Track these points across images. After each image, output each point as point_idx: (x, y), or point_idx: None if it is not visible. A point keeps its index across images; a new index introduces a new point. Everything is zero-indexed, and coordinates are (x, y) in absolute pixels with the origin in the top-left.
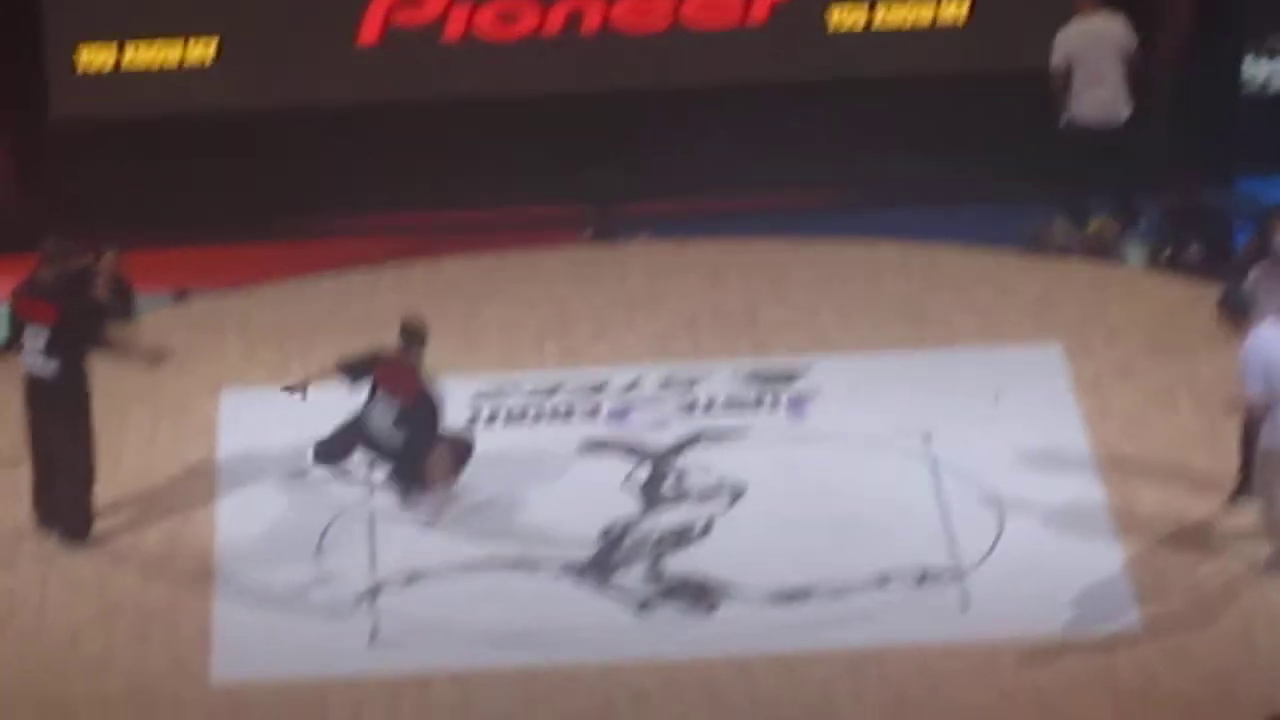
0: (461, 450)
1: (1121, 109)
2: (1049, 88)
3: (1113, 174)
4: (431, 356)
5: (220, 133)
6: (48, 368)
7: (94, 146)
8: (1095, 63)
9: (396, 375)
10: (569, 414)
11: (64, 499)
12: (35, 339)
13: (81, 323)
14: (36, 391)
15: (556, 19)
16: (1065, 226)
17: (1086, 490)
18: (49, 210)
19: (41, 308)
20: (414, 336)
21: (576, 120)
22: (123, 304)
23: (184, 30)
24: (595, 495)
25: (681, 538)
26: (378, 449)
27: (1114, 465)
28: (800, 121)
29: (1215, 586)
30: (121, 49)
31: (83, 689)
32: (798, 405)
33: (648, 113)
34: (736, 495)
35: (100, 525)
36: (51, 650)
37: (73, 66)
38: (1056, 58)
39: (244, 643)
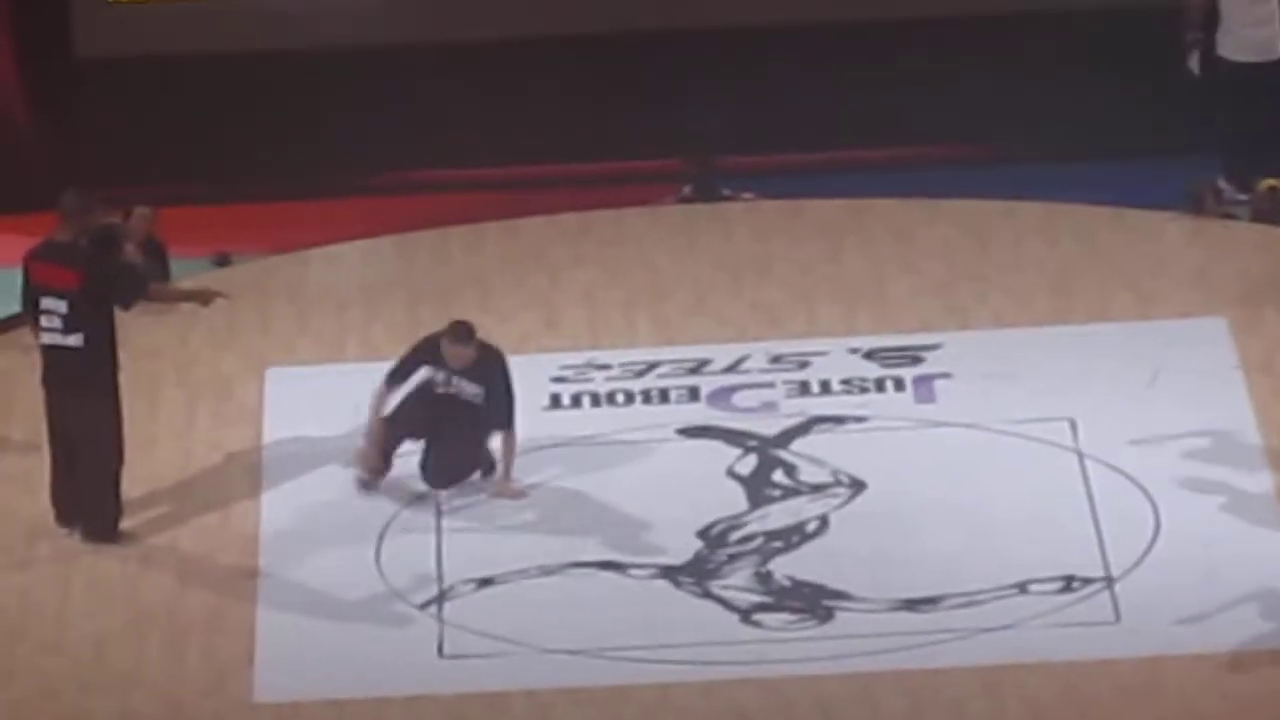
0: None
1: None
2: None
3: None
4: (508, 330)
5: (268, 76)
6: (69, 340)
7: (124, 90)
8: None
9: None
10: (664, 396)
11: (87, 491)
12: (54, 308)
13: (109, 288)
14: (56, 367)
15: None
16: (1228, 186)
17: (1255, 482)
18: (74, 163)
19: (60, 272)
20: (460, 337)
21: (674, 61)
22: (156, 268)
23: None
24: (694, 489)
25: (792, 538)
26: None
27: None
28: (933, 64)
29: None
30: None
31: (109, 707)
32: (925, 387)
33: (757, 52)
34: (855, 490)
35: (129, 522)
36: (74, 663)
37: None
38: None
39: (291, 656)
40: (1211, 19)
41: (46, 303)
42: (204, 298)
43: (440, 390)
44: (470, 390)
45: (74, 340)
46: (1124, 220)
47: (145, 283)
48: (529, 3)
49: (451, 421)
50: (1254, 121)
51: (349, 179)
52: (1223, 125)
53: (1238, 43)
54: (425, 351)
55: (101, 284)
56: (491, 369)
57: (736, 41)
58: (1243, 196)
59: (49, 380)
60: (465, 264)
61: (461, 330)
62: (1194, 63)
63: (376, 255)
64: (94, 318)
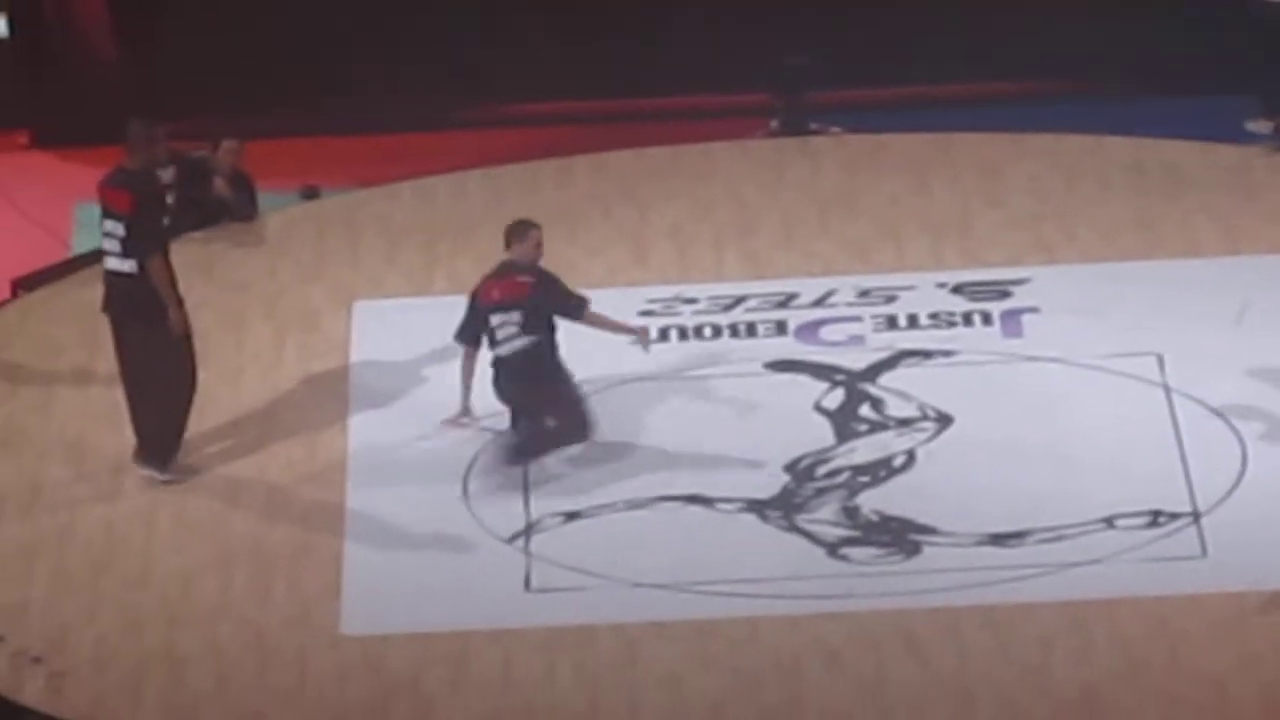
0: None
1: None
2: None
3: None
4: (597, 264)
5: (358, 7)
6: (124, 266)
7: (212, 22)
8: None
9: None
10: (751, 330)
11: (143, 417)
12: (113, 231)
13: (155, 216)
14: (113, 292)
15: None
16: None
17: None
18: (161, 95)
19: (119, 195)
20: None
21: None
22: (244, 201)
23: None
24: (781, 423)
25: (879, 472)
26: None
27: None
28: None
29: None
30: None
31: (194, 641)
32: (1013, 322)
33: None
34: (942, 424)
35: (216, 455)
36: (160, 598)
37: None
38: None
39: (378, 589)
40: None
41: (107, 225)
42: (181, 325)
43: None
44: (521, 344)
45: (129, 266)
46: (1211, 155)
47: (160, 243)
48: None
49: (523, 387)
50: None
51: (438, 112)
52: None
53: None
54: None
55: (152, 211)
56: (538, 301)
57: None
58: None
59: (108, 306)
60: (554, 198)
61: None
62: None
63: (465, 189)
64: (146, 244)
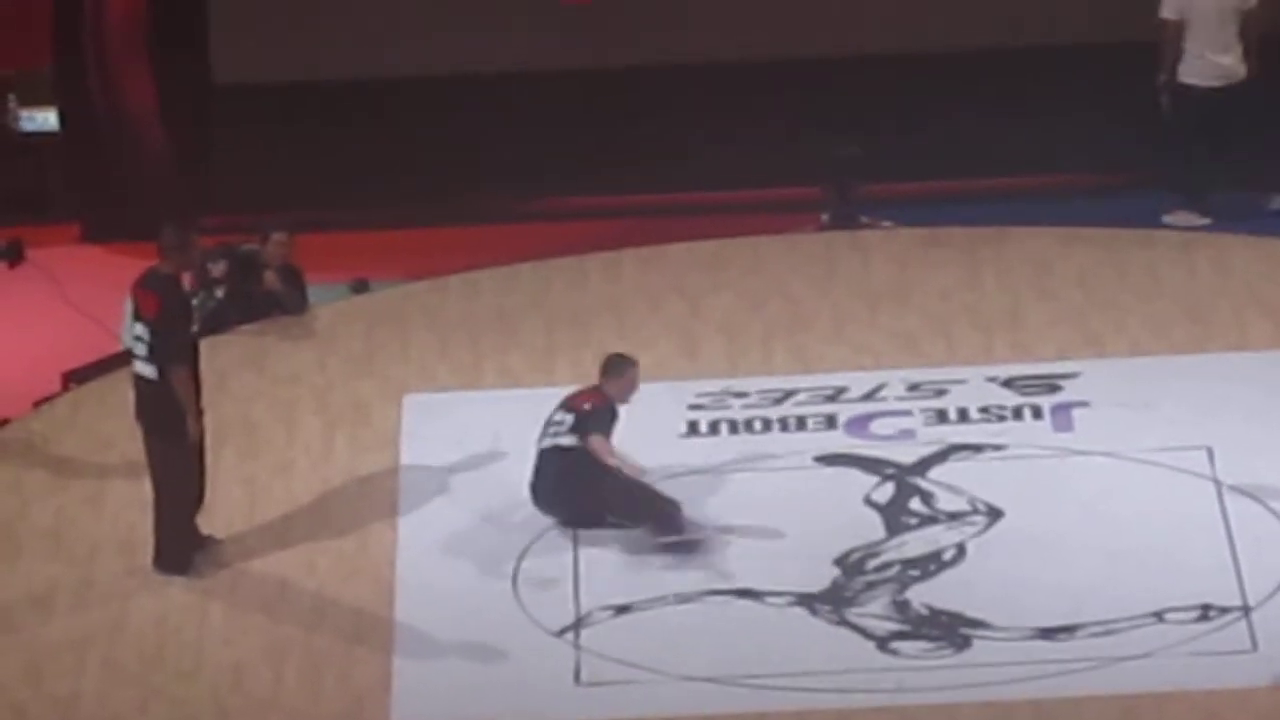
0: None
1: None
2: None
3: None
4: (645, 357)
5: (405, 100)
6: (147, 371)
7: (263, 116)
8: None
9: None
10: (801, 424)
11: (156, 521)
12: (141, 334)
13: (178, 324)
14: (138, 397)
15: None
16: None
17: None
18: (212, 190)
19: (147, 298)
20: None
21: (813, 90)
22: (294, 295)
23: None
24: (830, 517)
25: (929, 565)
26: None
27: None
28: (1070, 93)
29: None
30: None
31: None
32: (1063, 416)
33: (895, 80)
34: (992, 518)
35: (267, 547)
36: (210, 690)
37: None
38: (1166, 10)
39: (429, 684)
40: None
41: (137, 329)
42: (196, 431)
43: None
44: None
45: (150, 371)
46: (1261, 248)
47: (182, 352)
48: (670, 31)
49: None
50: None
51: (486, 206)
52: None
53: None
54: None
55: (176, 319)
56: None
57: (875, 69)
58: (1202, 221)
59: (137, 408)
60: (603, 291)
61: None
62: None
63: (514, 282)
64: (168, 351)
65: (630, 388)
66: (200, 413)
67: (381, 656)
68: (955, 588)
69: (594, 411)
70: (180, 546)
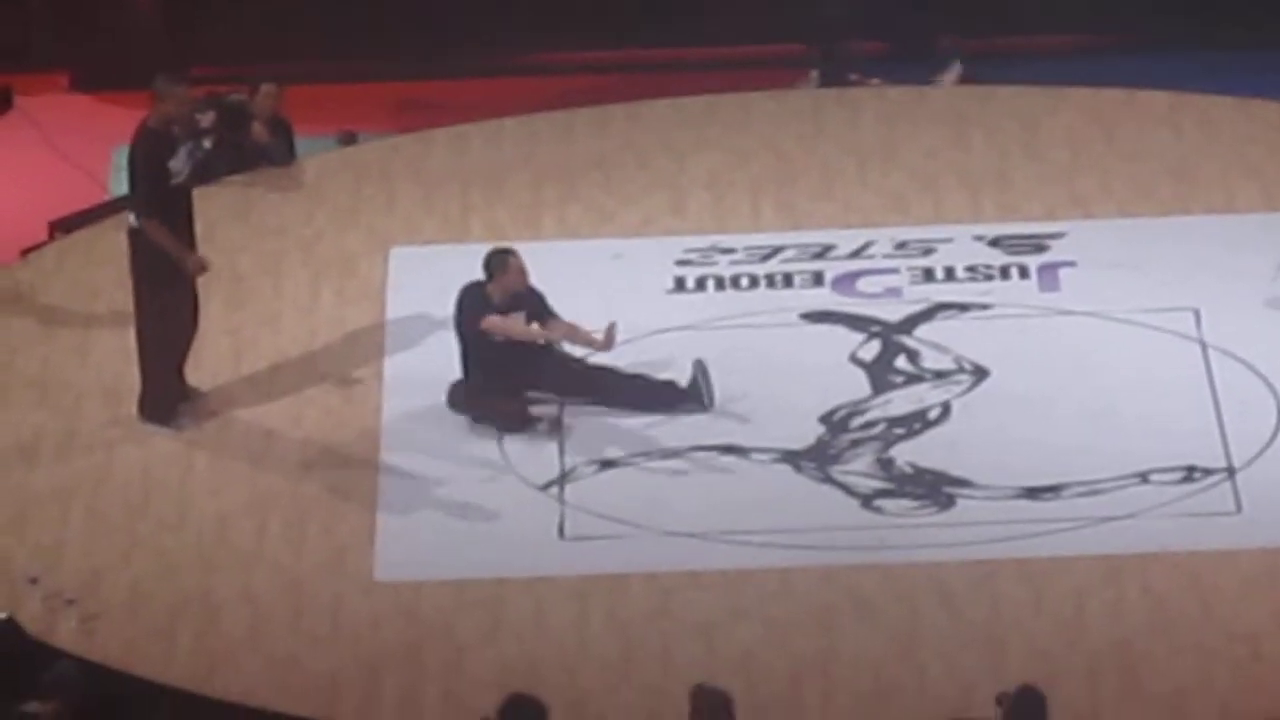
0: None
1: None
2: None
3: None
4: (633, 213)
5: None
6: (131, 219)
7: None
8: None
9: None
10: (787, 281)
11: (141, 370)
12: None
13: (141, 174)
14: (130, 246)
15: None
16: None
17: None
18: (195, 38)
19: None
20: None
21: None
22: (282, 147)
23: None
24: (816, 374)
25: (914, 424)
26: None
27: None
28: None
29: None
30: None
31: (229, 586)
32: (1049, 275)
33: None
34: (978, 377)
35: (252, 398)
36: (194, 542)
37: None
38: None
39: (412, 536)
40: None
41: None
42: (193, 262)
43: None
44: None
45: (132, 219)
46: (1249, 110)
47: (147, 203)
48: None
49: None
50: None
51: (474, 60)
52: None
53: None
54: (468, 299)
55: (134, 166)
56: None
57: None
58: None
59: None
60: (590, 146)
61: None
62: None
63: (501, 136)
64: (133, 199)
65: (517, 280)
66: (185, 250)
67: (366, 509)
68: (940, 446)
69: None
70: (164, 396)
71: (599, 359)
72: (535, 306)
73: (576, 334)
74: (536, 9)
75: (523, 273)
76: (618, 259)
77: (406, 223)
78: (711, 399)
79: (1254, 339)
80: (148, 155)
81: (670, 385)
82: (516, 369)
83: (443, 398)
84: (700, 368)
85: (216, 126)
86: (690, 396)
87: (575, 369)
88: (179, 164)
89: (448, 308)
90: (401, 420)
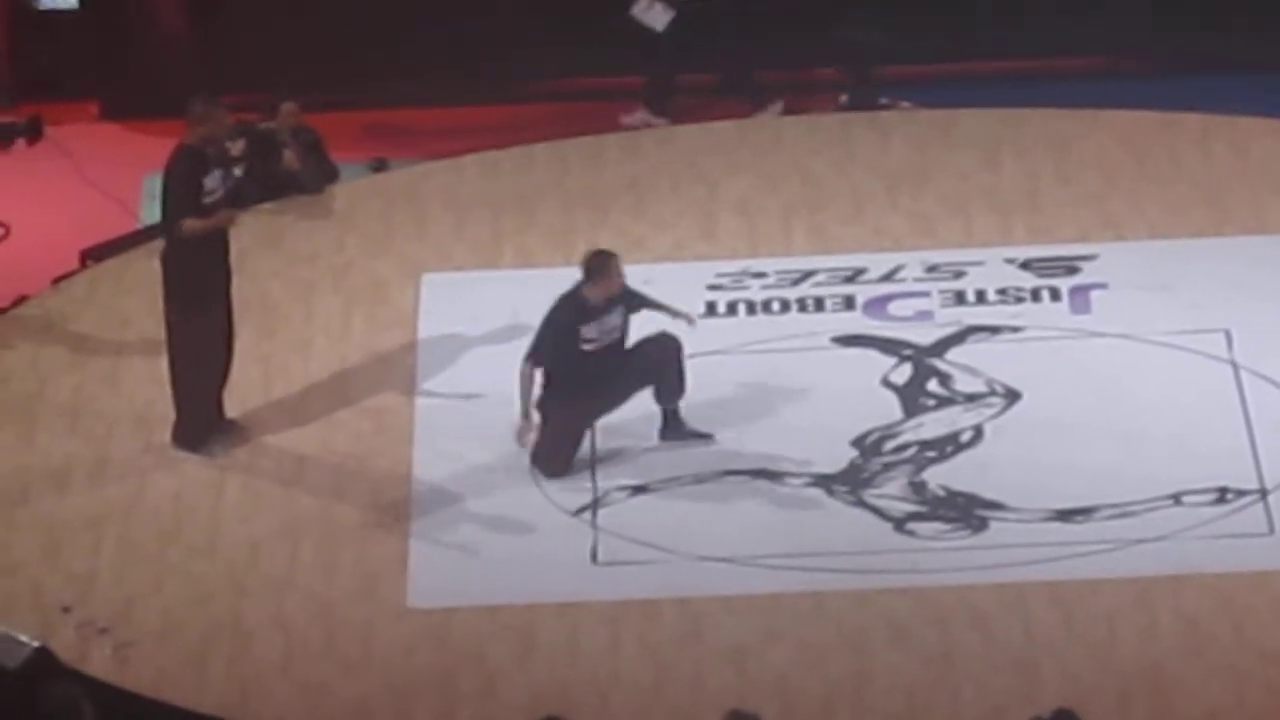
0: None
1: None
2: None
3: None
4: (664, 238)
5: None
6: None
7: None
8: None
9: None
10: (819, 305)
11: (174, 396)
12: None
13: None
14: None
15: None
16: None
17: None
18: (230, 68)
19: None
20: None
21: None
22: (314, 172)
23: None
24: (848, 398)
25: (946, 447)
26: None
27: None
28: None
29: None
30: None
31: (261, 612)
32: (1081, 298)
33: None
34: (1009, 400)
35: (284, 425)
36: (227, 568)
37: None
38: None
39: (445, 562)
40: None
41: None
42: (228, 218)
43: (593, 346)
44: (618, 322)
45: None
46: None
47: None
48: None
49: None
50: None
51: (507, 86)
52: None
53: None
54: (564, 311)
55: (164, 189)
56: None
57: None
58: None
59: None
60: (621, 171)
61: (598, 261)
62: None
63: (532, 161)
64: (160, 226)
65: (617, 284)
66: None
67: (398, 535)
68: (972, 469)
69: (542, 323)
70: (195, 422)
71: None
72: (634, 301)
73: (665, 308)
74: (567, 34)
75: (622, 275)
76: (649, 284)
77: (438, 249)
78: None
79: None
80: (184, 172)
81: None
82: (594, 384)
83: (474, 422)
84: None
85: (247, 154)
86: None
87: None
88: (214, 183)
89: (480, 333)
90: (433, 447)
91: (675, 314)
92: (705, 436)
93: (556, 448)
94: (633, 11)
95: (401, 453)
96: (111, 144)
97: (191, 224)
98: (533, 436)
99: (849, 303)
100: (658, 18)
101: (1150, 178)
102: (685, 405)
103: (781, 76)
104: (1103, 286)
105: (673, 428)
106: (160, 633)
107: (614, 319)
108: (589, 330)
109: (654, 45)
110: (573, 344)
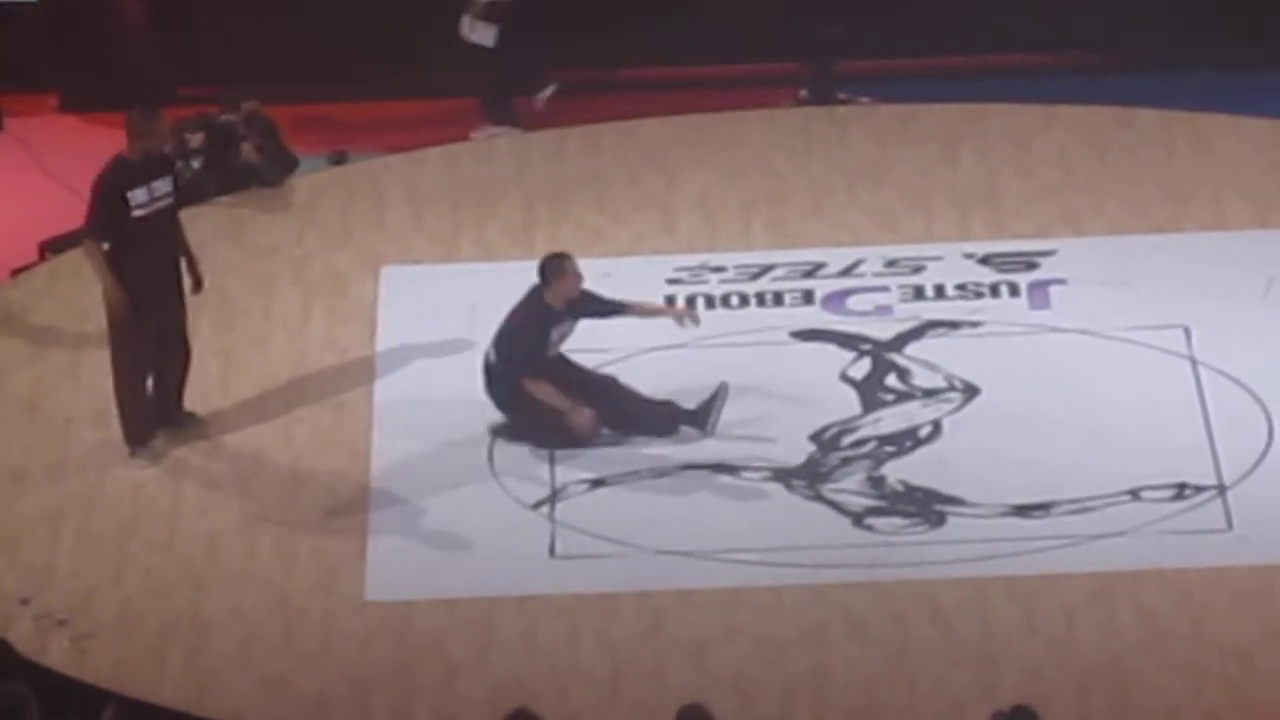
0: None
1: None
2: None
3: None
4: (624, 232)
5: None
6: None
7: None
8: None
9: None
10: (778, 299)
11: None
12: None
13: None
14: None
15: None
16: None
17: None
18: (185, 58)
19: None
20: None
21: None
22: (276, 160)
23: None
24: (806, 392)
25: (905, 442)
26: None
27: None
28: None
29: None
30: None
31: (219, 605)
32: (1040, 293)
33: None
34: (968, 395)
35: (243, 418)
36: (185, 561)
37: None
38: None
39: (403, 556)
40: None
41: None
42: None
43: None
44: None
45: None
46: (1240, 128)
47: (94, 227)
48: None
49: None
50: None
51: (466, 79)
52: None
53: None
54: (536, 321)
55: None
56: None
57: None
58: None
59: None
60: (581, 165)
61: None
62: None
63: (492, 155)
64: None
65: (574, 285)
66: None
67: (356, 529)
68: (931, 464)
69: (515, 334)
70: (133, 419)
71: (607, 370)
72: (596, 306)
73: (662, 310)
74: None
75: (579, 277)
76: (608, 277)
77: (397, 242)
78: (713, 426)
79: (1245, 356)
80: (110, 185)
81: (669, 405)
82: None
83: (432, 415)
84: (721, 393)
85: (206, 147)
86: (694, 418)
87: (588, 379)
88: (143, 197)
89: (439, 327)
90: (392, 440)
91: (679, 317)
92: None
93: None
94: (461, 33)
95: (360, 446)
96: (71, 136)
97: (92, 253)
98: (589, 413)
99: (808, 297)
100: (485, 34)
101: (1110, 173)
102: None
103: (740, 70)
104: (1061, 282)
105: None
106: (119, 625)
107: (570, 327)
108: (554, 335)
109: (485, 60)
110: (543, 350)
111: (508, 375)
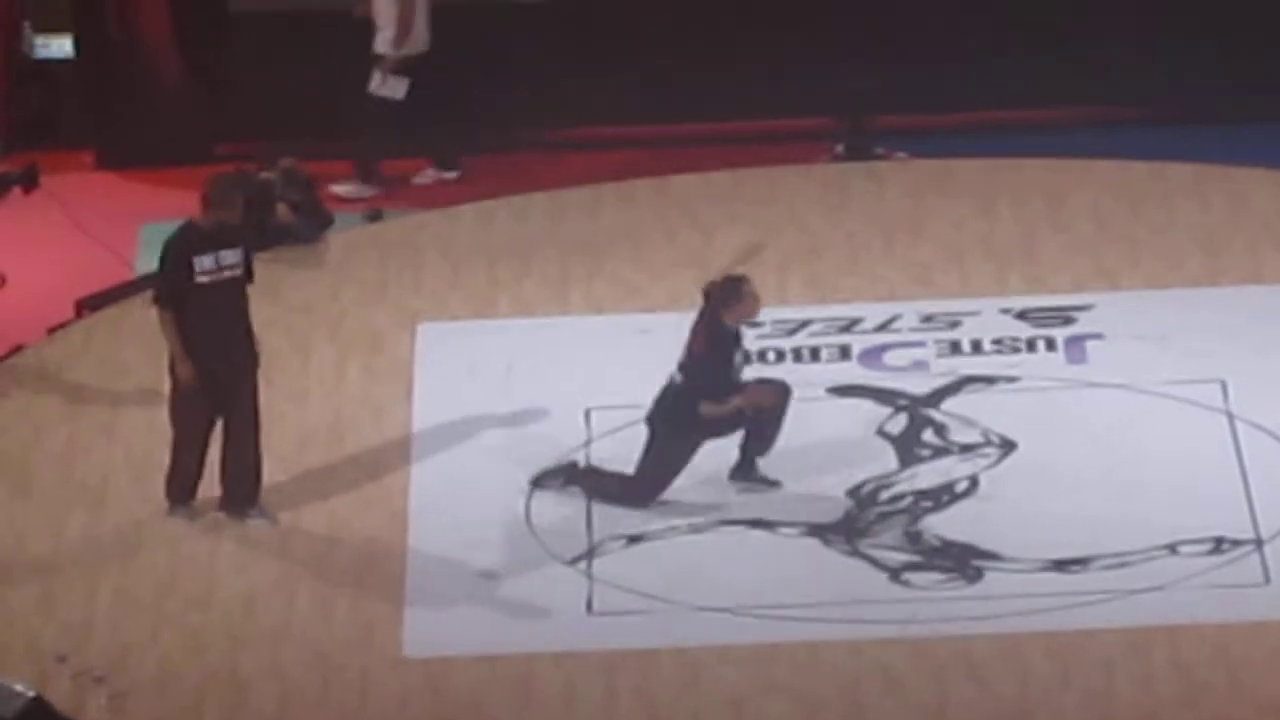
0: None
1: None
2: None
3: None
4: (659, 287)
5: None
6: None
7: (277, 44)
8: None
9: None
10: (815, 355)
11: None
12: None
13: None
14: None
15: None
16: None
17: None
18: (225, 117)
19: None
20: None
21: (827, 19)
22: (312, 217)
23: None
24: (843, 448)
25: (942, 497)
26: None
27: None
28: (1085, 25)
29: None
30: None
31: (257, 662)
32: (1077, 348)
33: (911, 11)
34: (1005, 450)
35: (280, 475)
36: (222, 618)
37: None
38: None
39: (441, 612)
40: None
41: None
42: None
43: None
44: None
45: None
46: (1275, 181)
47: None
48: None
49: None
50: None
51: (500, 136)
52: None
53: None
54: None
55: (161, 259)
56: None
57: (890, 1)
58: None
59: None
60: (617, 220)
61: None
62: None
63: (528, 212)
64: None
65: (752, 308)
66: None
67: (394, 586)
68: (968, 519)
69: (702, 362)
70: (180, 480)
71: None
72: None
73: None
74: (561, 85)
75: (756, 299)
76: (645, 334)
77: (434, 299)
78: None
79: None
80: (178, 249)
81: None
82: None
83: (469, 471)
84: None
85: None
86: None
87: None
88: (209, 264)
89: (476, 383)
90: (429, 496)
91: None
92: (773, 484)
93: (664, 476)
94: (371, 89)
95: (397, 503)
96: (107, 193)
97: (164, 323)
98: (765, 389)
99: (844, 352)
100: (396, 88)
101: (1146, 228)
102: None
103: (776, 126)
104: (1098, 336)
105: (744, 470)
106: (156, 682)
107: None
108: (737, 358)
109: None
110: (729, 375)
111: (691, 400)
